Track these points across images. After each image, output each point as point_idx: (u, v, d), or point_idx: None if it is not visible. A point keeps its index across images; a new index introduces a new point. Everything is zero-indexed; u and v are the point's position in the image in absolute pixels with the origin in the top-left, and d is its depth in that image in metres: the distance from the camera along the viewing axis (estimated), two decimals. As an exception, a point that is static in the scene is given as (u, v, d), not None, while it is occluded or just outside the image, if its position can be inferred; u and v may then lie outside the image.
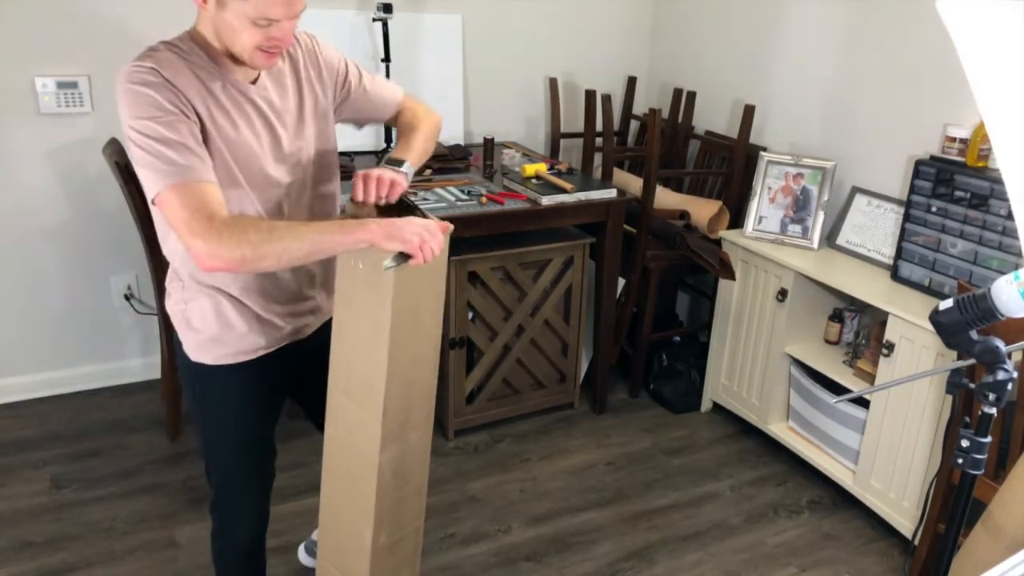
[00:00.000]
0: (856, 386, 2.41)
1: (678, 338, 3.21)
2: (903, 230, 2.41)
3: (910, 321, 2.18)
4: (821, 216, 2.68)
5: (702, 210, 2.90)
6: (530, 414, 2.94)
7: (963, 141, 2.28)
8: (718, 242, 2.82)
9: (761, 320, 2.70)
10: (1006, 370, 1.21)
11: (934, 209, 2.32)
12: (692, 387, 3.08)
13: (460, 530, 2.36)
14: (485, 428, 2.86)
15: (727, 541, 2.37)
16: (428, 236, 1.33)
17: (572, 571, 2.22)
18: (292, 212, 1.49)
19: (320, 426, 1.60)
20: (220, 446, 1.60)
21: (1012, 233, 2.13)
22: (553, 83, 3.33)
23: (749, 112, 2.92)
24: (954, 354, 1.99)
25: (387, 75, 2.95)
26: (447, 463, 2.67)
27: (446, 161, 2.93)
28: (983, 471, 1.28)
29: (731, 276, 2.72)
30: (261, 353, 1.54)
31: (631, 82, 3.55)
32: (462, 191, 2.63)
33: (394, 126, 1.71)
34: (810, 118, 2.89)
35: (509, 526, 2.39)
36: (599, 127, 3.09)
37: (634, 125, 3.58)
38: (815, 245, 2.68)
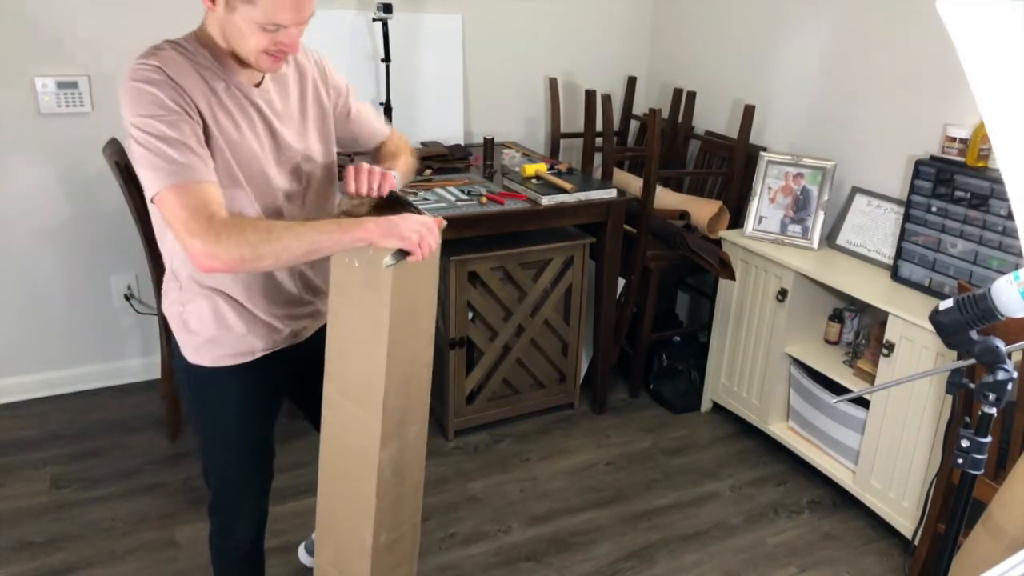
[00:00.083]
0: (856, 386, 2.41)
1: (678, 338, 3.21)
2: (903, 230, 2.41)
3: (910, 321, 2.18)
4: (821, 216, 2.68)
5: (702, 210, 2.90)
6: (530, 414, 2.94)
7: (963, 141, 2.28)
8: (718, 242, 2.82)
9: (761, 320, 2.70)
10: (1006, 370, 1.21)
11: (934, 209, 2.32)
12: (692, 387, 3.08)
13: (460, 530, 2.36)
14: (485, 428, 2.86)
15: (727, 541, 2.37)
16: (426, 232, 1.33)
17: (572, 571, 2.22)
18: (291, 213, 1.49)
19: (319, 427, 1.60)
20: (219, 448, 1.60)
21: (1012, 233, 2.13)
22: (553, 83, 3.33)
23: (749, 112, 2.92)
24: (954, 354, 1.99)
25: (387, 75, 2.96)
26: (447, 463, 2.67)
27: (446, 161, 2.92)
28: (983, 471, 1.28)
29: (731, 276, 2.72)
30: (260, 354, 1.54)
31: (631, 82, 3.55)
32: (462, 191, 2.63)
33: (375, 156, 1.73)
34: (810, 118, 2.88)
35: (509, 526, 2.39)
36: (599, 127, 3.09)
37: (634, 125, 3.58)
38: (815, 245, 2.68)
